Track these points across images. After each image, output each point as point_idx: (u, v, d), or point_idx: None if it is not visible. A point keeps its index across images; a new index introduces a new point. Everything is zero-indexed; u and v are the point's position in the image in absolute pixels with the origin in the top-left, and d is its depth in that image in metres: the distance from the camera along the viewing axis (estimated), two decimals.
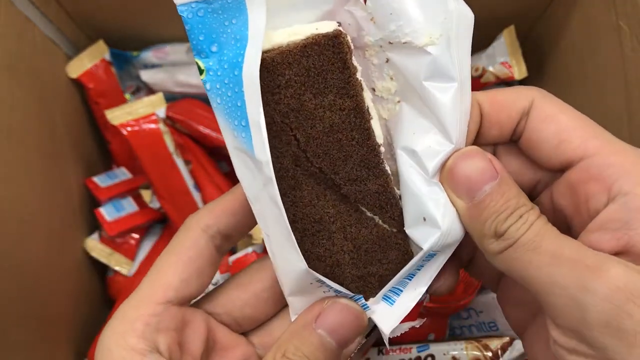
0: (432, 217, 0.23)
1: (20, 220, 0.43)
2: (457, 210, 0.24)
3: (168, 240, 0.59)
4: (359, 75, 0.24)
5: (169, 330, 0.25)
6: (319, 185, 0.25)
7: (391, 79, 0.25)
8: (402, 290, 0.26)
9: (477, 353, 0.47)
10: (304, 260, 0.23)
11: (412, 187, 0.24)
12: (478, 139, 0.25)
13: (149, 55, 0.57)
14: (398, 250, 0.26)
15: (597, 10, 0.44)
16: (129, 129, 0.52)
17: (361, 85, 0.24)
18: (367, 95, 0.25)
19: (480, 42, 0.56)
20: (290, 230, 0.23)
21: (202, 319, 0.27)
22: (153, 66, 0.57)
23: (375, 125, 0.25)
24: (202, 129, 0.55)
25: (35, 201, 0.46)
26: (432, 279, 0.25)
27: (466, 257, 0.29)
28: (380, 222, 0.26)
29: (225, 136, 0.23)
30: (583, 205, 0.23)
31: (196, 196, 0.54)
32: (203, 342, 0.26)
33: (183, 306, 0.26)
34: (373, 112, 0.25)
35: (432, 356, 0.47)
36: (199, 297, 0.28)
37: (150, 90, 0.58)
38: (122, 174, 0.57)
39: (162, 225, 0.57)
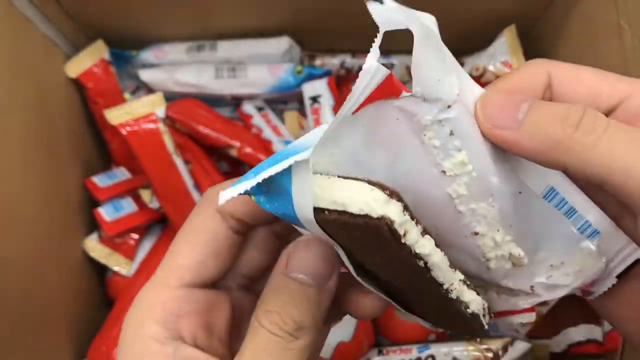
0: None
1: (19, 220, 0.43)
2: (508, 143, 0.22)
3: (168, 241, 0.59)
4: (407, 239, 0.21)
5: (191, 315, 0.24)
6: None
7: (459, 150, 0.23)
8: None
9: (478, 354, 0.46)
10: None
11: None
12: None
13: (148, 55, 0.57)
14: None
15: (598, 9, 0.44)
16: (128, 128, 0.52)
17: (410, 250, 0.21)
18: (425, 244, 0.22)
19: (481, 41, 0.56)
20: None
21: (226, 298, 0.26)
22: (152, 66, 0.57)
23: (439, 272, 0.23)
24: (201, 128, 0.54)
25: (34, 201, 0.45)
26: None
27: None
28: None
29: None
30: None
31: (196, 196, 0.54)
32: (227, 320, 0.25)
33: (206, 289, 0.25)
34: (437, 261, 0.22)
35: (433, 357, 0.47)
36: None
37: (149, 90, 0.58)
38: (122, 174, 0.57)
39: (161, 225, 0.57)
